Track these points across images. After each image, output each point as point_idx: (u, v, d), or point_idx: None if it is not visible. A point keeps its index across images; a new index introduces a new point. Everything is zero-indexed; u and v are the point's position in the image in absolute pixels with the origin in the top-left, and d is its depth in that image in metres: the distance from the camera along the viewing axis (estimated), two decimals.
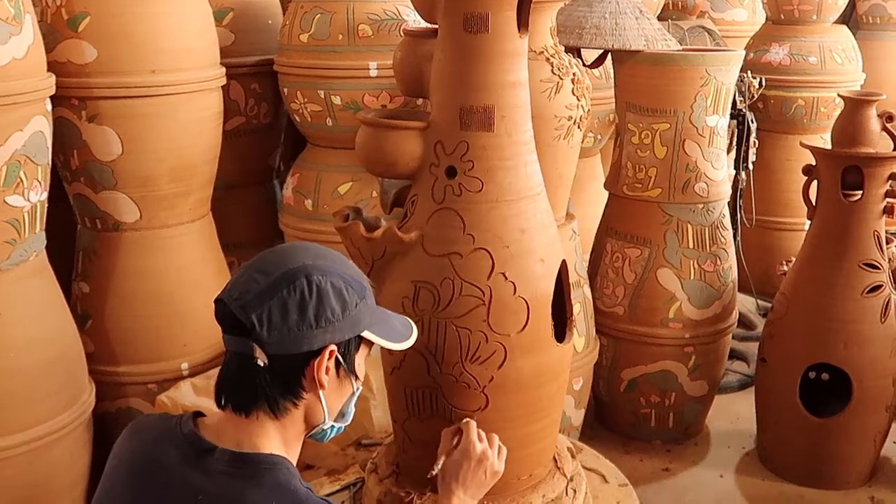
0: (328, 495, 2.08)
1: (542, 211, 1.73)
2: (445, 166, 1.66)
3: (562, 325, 1.83)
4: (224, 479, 1.20)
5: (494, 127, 1.64)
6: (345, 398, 1.34)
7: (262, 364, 1.23)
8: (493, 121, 1.63)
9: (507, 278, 1.65)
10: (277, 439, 1.27)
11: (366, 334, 1.31)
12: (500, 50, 1.62)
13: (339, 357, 1.28)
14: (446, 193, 1.66)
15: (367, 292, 1.32)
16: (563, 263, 1.81)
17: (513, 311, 1.66)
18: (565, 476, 1.86)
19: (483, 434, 1.64)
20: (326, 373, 1.27)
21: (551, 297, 1.73)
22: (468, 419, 1.66)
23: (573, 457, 1.96)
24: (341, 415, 1.36)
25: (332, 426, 1.35)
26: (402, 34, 2.79)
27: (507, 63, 1.63)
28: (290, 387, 1.26)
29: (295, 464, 1.30)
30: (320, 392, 1.28)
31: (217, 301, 1.27)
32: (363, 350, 1.34)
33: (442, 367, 1.68)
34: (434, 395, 1.72)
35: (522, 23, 1.64)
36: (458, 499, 1.58)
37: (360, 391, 1.37)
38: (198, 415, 1.32)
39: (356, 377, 1.33)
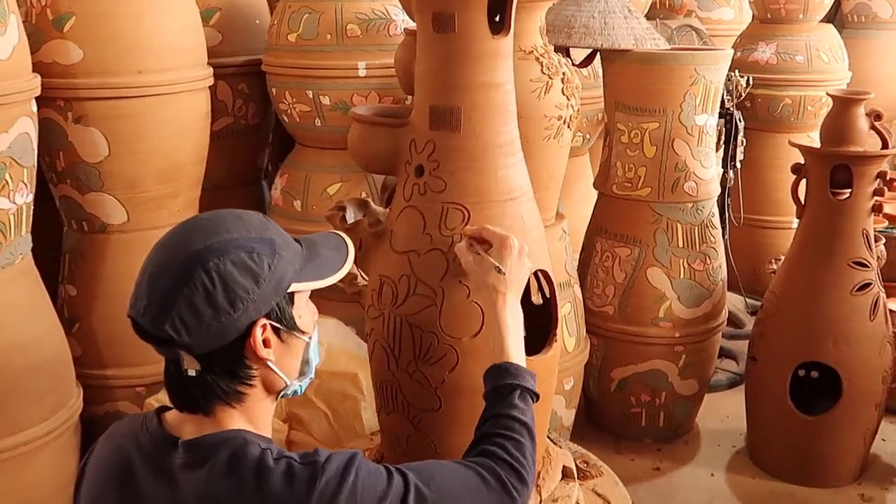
0: None
1: (514, 217, 1.68)
2: (415, 165, 1.65)
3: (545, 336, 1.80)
4: (185, 472, 1.17)
5: (461, 128, 1.61)
6: (299, 355, 1.27)
7: (194, 373, 1.18)
8: (460, 122, 1.61)
9: (461, 281, 1.62)
10: (242, 420, 1.22)
11: (293, 287, 1.22)
12: (467, 50, 1.59)
13: (273, 324, 1.20)
14: (413, 192, 1.65)
15: (279, 244, 1.21)
16: (546, 274, 1.78)
17: (465, 316, 1.62)
18: (539, 495, 1.81)
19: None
20: (266, 346, 1.20)
21: None
22: (470, 228, 1.57)
23: (572, 477, 1.90)
24: (303, 370, 1.29)
25: (299, 384, 1.29)
26: (390, 34, 2.79)
27: (476, 64, 1.60)
28: (236, 374, 1.20)
29: (268, 429, 1.26)
30: (269, 364, 1.22)
31: (129, 318, 1.19)
32: (299, 299, 1.25)
33: (399, 363, 1.68)
34: (394, 390, 1.71)
35: (504, 25, 1.62)
36: (506, 299, 1.48)
37: (314, 338, 1.29)
38: (164, 409, 1.27)
39: (301, 331, 1.26)
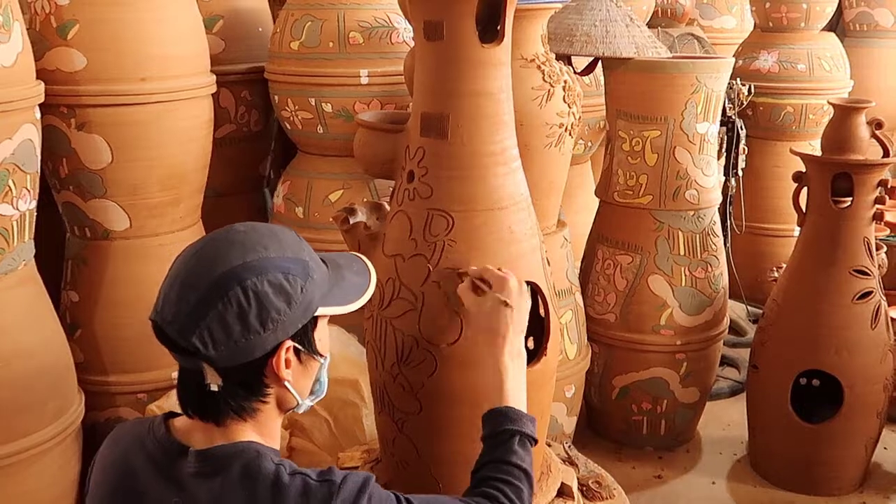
0: (353, 467, 2.01)
1: (503, 227, 1.67)
2: (408, 170, 1.67)
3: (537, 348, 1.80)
4: (196, 481, 1.17)
5: (449, 135, 1.62)
6: (313, 376, 1.29)
7: (216, 388, 1.18)
8: (447, 129, 1.62)
9: (440, 287, 1.63)
10: (253, 433, 1.23)
11: (319, 311, 1.24)
12: (456, 58, 1.60)
13: (297, 346, 1.22)
14: (404, 197, 1.67)
15: (312, 267, 1.22)
16: (538, 287, 1.76)
17: (444, 322, 1.63)
18: None
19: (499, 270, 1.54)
20: (287, 366, 1.21)
21: None
22: (473, 268, 1.57)
23: (570, 496, 1.87)
24: (314, 389, 1.31)
25: (307, 403, 1.30)
26: (392, 42, 2.81)
27: (465, 72, 1.61)
28: (252, 390, 1.21)
29: (277, 442, 1.27)
30: (286, 384, 1.23)
31: (151, 322, 1.19)
32: (322, 323, 1.27)
33: (384, 365, 1.69)
34: (382, 392, 1.73)
35: (498, 34, 1.62)
36: (507, 341, 1.48)
37: (328, 360, 1.31)
38: (171, 415, 1.28)
39: (320, 353, 1.27)
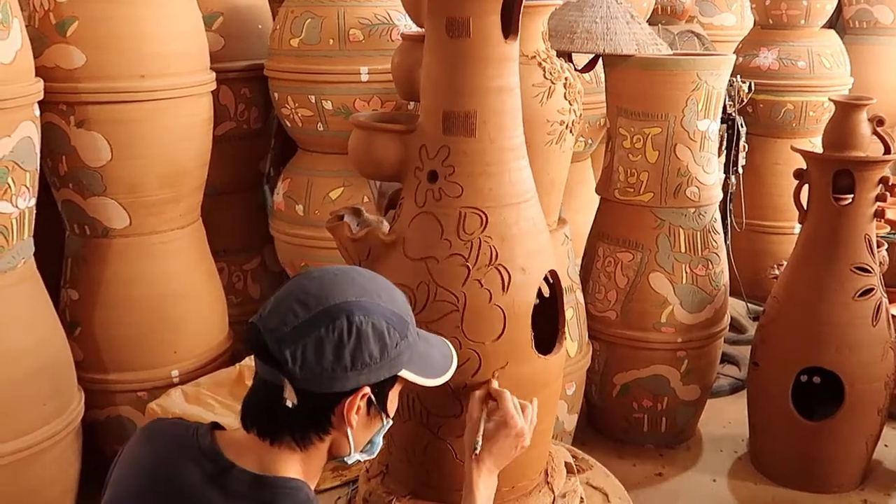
0: (328, 489, 2.03)
1: (527, 219, 1.70)
2: (428, 170, 1.65)
3: (552, 336, 1.81)
4: (243, 502, 1.20)
5: (476, 132, 1.62)
6: (373, 432, 1.33)
7: (290, 405, 1.21)
8: (475, 126, 1.62)
9: (482, 285, 1.63)
10: (299, 466, 1.26)
11: (403, 373, 1.29)
12: (482, 55, 1.60)
13: (372, 397, 1.26)
14: (427, 198, 1.66)
15: (410, 327, 1.30)
16: (555, 274, 1.79)
17: (487, 320, 1.64)
18: (552, 492, 1.83)
19: (518, 404, 1.59)
20: (357, 412, 1.25)
21: (531, 307, 1.70)
22: (496, 386, 1.61)
23: (573, 472, 1.92)
24: (368, 445, 1.35)
25: (357, 456, 1.33)
26: (392, 39, 2.80)
27: (490, 68, 1.61)
28: (317, 422, 1.25)
29: (314, 488, 1.30)
30: (348, 429, 1.26)
31: (250, 324, 1.24)
32: (397, 386, 1.32)
33: None
34: (411, 399, 1.71)
35: (512, 28, 1.63)
36: (486, 469, 1.56)
37: (389, 424, 1.34)
38: (214, 426, 1.31)
39: (387, 414, 1.32)
